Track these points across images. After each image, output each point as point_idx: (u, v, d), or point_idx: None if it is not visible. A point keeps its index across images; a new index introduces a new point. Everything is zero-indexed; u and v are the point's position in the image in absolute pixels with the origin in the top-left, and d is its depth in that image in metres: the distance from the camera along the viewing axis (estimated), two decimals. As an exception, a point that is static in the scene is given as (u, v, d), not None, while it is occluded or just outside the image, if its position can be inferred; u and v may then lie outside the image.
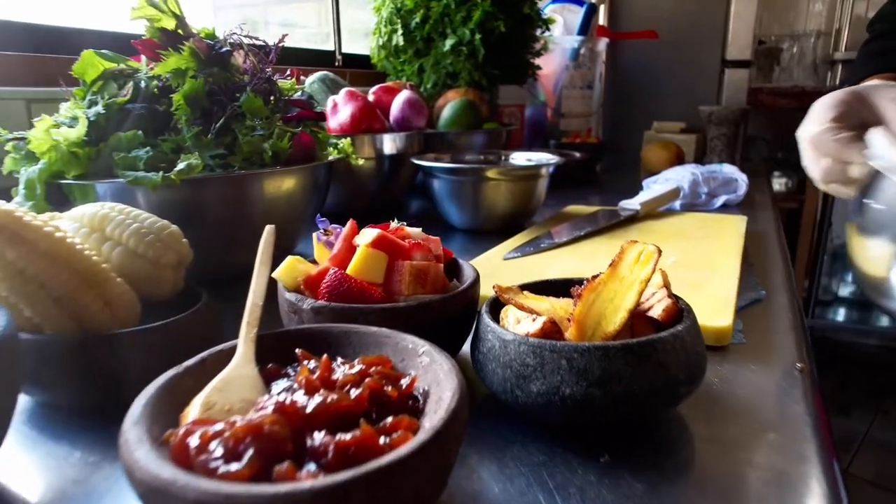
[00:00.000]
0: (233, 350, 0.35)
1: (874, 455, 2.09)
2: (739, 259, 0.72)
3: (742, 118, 1.70)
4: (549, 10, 1.75)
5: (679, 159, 1.52)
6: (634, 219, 0.95)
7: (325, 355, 0.34)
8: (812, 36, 2.80)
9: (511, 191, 0.91)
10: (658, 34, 1.96)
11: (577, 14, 1.78)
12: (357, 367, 0.33)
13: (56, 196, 0.63)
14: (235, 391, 0.32)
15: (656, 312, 0.42)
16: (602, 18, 2.05)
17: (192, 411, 0.30)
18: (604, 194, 1.38)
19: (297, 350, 0.35)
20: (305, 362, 0.34)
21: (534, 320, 0.41)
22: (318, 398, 0.29)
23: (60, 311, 0.42)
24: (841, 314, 2.87)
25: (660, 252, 0.42)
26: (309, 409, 0.28)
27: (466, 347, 0.48)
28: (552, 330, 0.39)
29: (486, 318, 0.42)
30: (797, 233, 2.68)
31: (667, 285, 0.45)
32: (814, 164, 0.57)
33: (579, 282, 0.48)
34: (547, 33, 1.58)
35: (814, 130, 0.56)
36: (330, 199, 0.83)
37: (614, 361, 0.36)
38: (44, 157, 0.59)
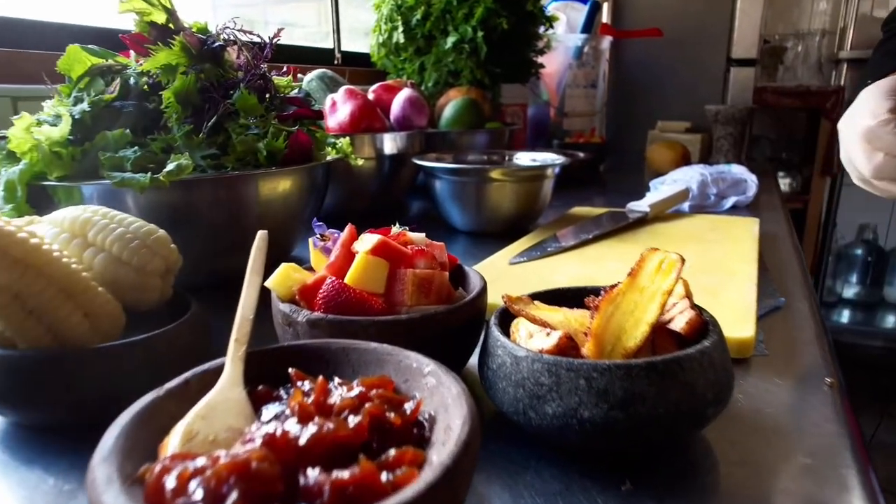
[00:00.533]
0: (220, 370, 0.32)
1: (882, 458, 2.06)
2: (756, 264, 0.69)
3: (749, 118, 1.67)
4: (552, 8, 1.72)
5: (685, 159, 1.49)
6: (643, 221, 0.92)
7: (320, 377, 0.31)
8: (817, 35, 2.77)
9: (516, 192, 0.88)
10: (662, 32, 1.93)
11: (580, 12, 1.75)
12: (356, 390, 0.30)
13: (41, 198, 0.60)
14: (221, 418, 0.28)
15: (679, 325, 0.39)
16: (605, 16, 2.02)
17: (172, 442, 0.27)
18: (608, 195, 1.35)
19: (290, 370, 0.32)
20: (299, 383, 0.31)
21: (548, 335, 0.38)
22: (312, 427, 0.26)
23: (36, 323, 0.39)
24: (845, 316, 2.84)
25: (683, 261, 0.39)
26: (302, 441, 0.25)
27: (473, 360, 0.45)
28: (568, 346, 0.36)
29: (496, 332, 0.38)
30: (801, 234, 2.66)
31: (689, 295, 0.42)
32: (865, 158, 0.53)
33: (594, 291, 0.45)
34: (550, 31, 1.55)
35: (868, 123, 0.51)
36: (328, 201, 0.80)
37: (637, 381, 0.33)
38: (25, 158, 0.56)
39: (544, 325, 0.39)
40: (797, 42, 2.80)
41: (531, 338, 0.39)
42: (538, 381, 0.35)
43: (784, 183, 2.67)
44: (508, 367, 0.37)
